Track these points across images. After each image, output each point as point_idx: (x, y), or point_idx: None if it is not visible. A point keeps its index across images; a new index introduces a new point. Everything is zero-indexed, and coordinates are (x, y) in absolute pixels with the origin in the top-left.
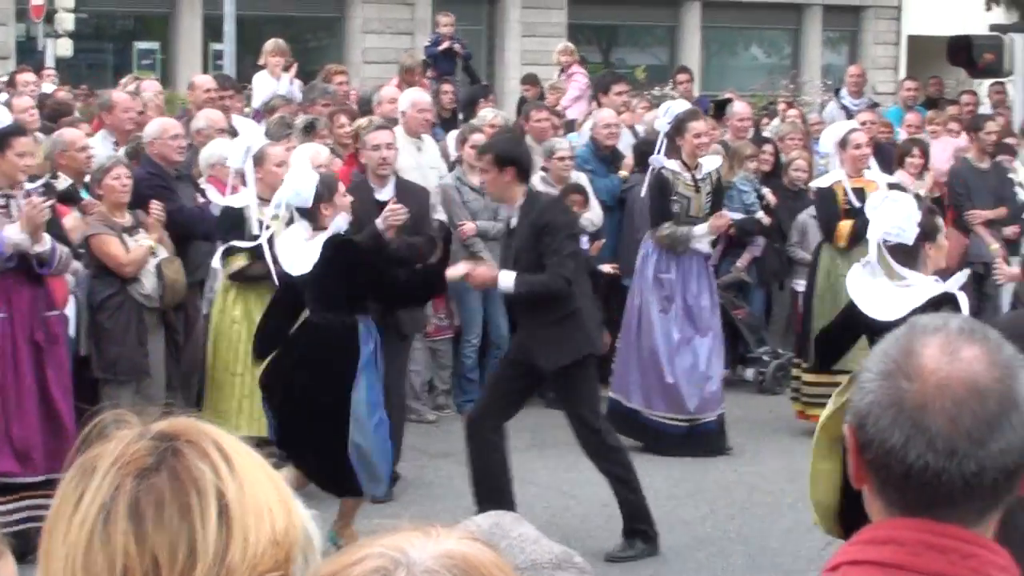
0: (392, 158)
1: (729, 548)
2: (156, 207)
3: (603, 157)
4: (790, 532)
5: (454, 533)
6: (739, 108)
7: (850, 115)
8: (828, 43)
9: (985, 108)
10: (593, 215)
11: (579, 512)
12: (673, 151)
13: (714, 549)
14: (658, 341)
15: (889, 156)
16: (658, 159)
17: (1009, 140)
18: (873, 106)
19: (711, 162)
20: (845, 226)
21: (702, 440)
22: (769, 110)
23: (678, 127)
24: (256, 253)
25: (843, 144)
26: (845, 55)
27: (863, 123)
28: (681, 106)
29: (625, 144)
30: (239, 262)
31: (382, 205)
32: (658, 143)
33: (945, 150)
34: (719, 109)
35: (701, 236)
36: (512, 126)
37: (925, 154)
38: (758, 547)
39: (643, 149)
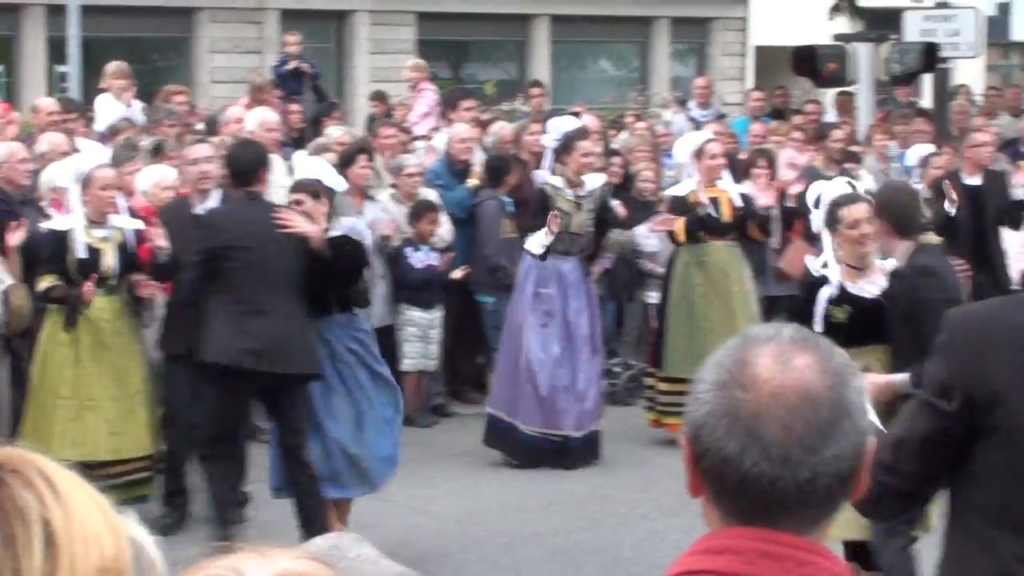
0: (212, 172)
1: (581, 559)
2: (15, 235)
3: (457, 171)
4: (643, 542)
5: (290, 553)
6: (588, 121)
7: (698, 127)
8: (676, 55)
9: (830, 117)
10: (444, 231)
11: (434, 528)
12: (559, 167)
13: (566, 560)
14: (537, 356)
15: (734, 166)
16: (542, 174)
17: (855, 148)
18: (720, 117)
19: (595, 180)
20: (679, 223)
21: (573, 454)
22: (618, 123)
23: (566, 145)
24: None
25: (699, 154)
26: (693, 67)
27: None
28: (570, 124)
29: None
30: (44, 283)
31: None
32: (544, 159)
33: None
34: None
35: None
36: (362, 141)
37: (772, 164)
38: (611, 558)
39: (493, 164)
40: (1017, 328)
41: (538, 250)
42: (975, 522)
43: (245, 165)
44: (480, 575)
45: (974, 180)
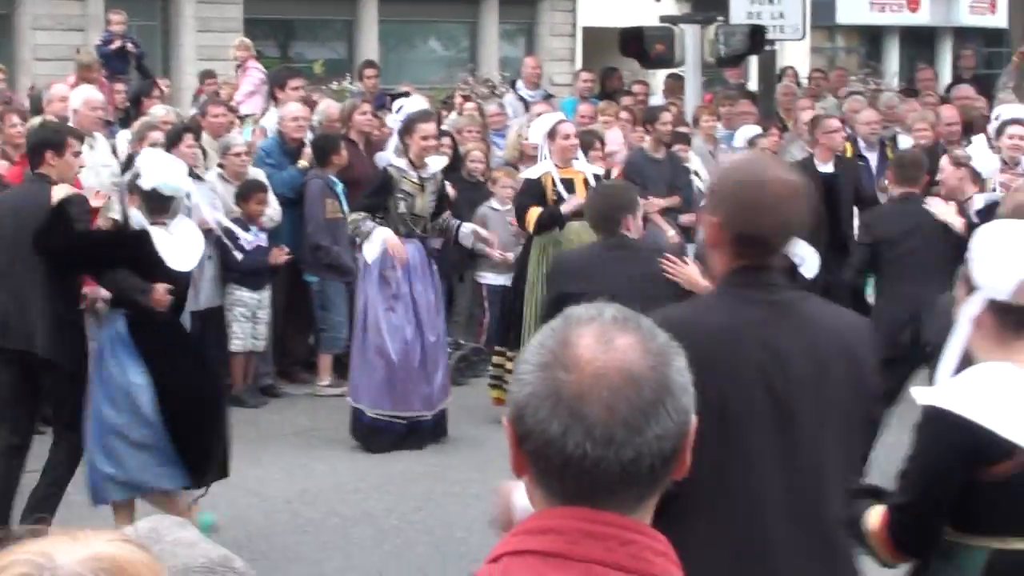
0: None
1: (414, 539)
2: None
3: (288, 151)
4: (476, 522)
5: (104, 536)
6: (416, 101)
7: (527, 107)
8: (505, 35)
9: (657, 98)
10: (272, 211)
11: (264, 510)
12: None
13: (399, 541)
14: (386, 340)
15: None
16: (385, 156)
17: (683, 129)
18: (548, 97)
19: (437, 162)
20: (534, 212)
21: (423, 434)
22: (448, 103)
23: (408, 126)
24: None
25: (552, 135)
26: (522, 47)
27: (538, 115)
28: (415, 105)
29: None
30: None
31: None
32: (390, 140)
33: (618, 140)
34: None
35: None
36: (188, 120)
37: (603, 145)
38: (443, 538)
39: (319, 143)
40: (709, 328)
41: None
42: None
43: (31, 146)
44: (311, 556)
45: (827, 168)
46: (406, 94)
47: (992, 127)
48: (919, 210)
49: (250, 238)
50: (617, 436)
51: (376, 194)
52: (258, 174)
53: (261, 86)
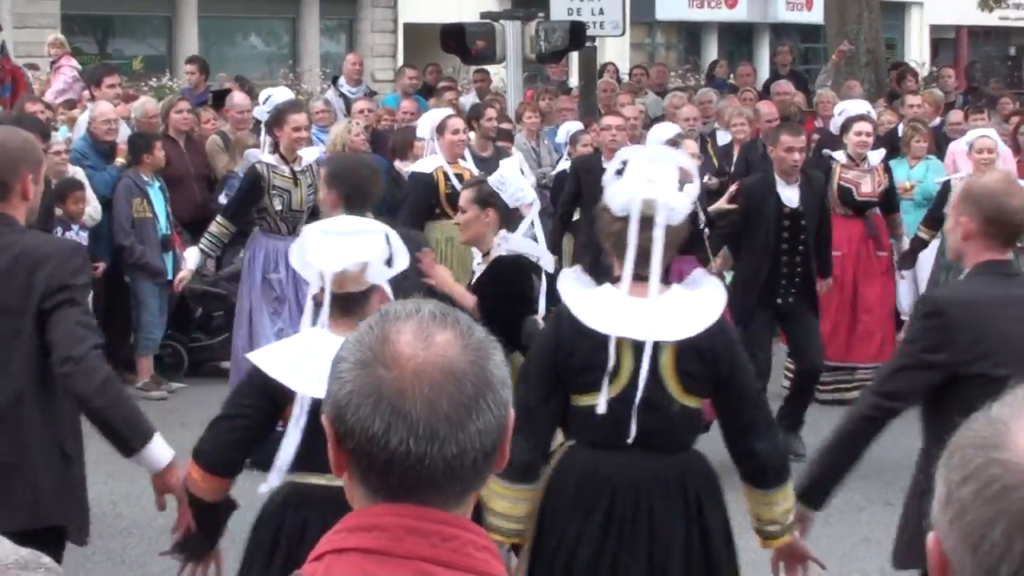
0: None
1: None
2: None
3: (102, 151)
4: None
5: None
6: (239, 98)
7: (348, 103)
8: (326, 32)
9: (471, 96)
10: (92, 210)
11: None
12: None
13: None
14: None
15: (385, 143)
16: (254, 153)
17: (505, 126)
18: (371, 94)
19: (310, 153)
20: None
21: None
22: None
23: (277, 118)
24: None
25: (440, 130)
26: (343, 43)
27: (360, 111)
28: (282, 95)
29: (122, 136)
30: None
31: None
32: (261, 135)
33: None
34: (218, 99)
35: None
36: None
37: None
38: None
39: (133, 141)
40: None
41: None
42: None
43: None
44: (138, 559)
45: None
46: (228, 91)
47: (835, 123)
48: None
49: (72, 237)
50: (440, 432)
51: (245, 196)
52: (78, 172)
53: (74, 83)
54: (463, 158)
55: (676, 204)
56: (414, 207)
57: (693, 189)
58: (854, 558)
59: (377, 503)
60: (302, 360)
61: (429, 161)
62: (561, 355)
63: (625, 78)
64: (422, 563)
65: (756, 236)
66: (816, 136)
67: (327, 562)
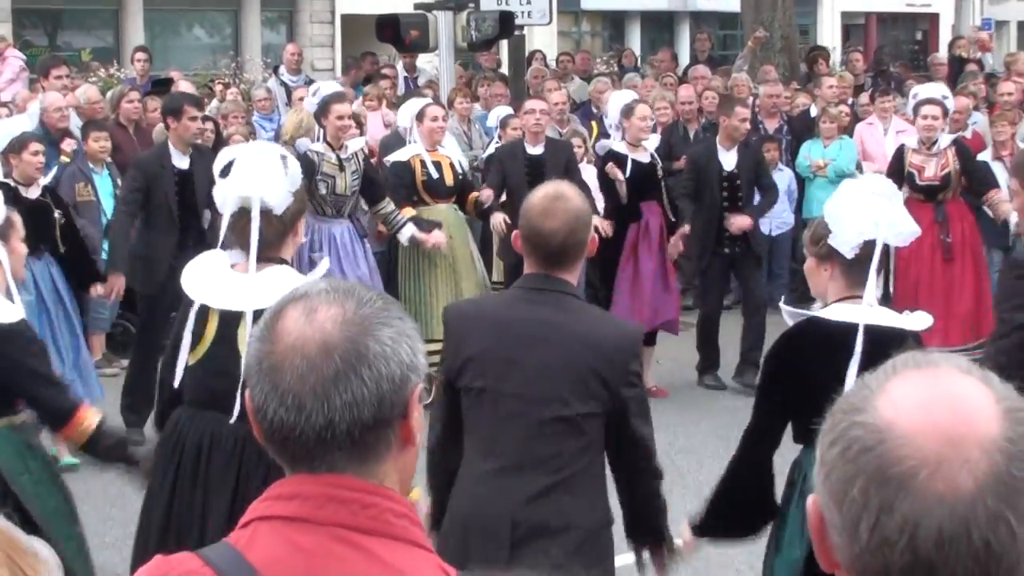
0: None
1: None
2: None
3: (53, 140)
4: None
5: None
6: (182, 87)
7: (289, 91)
8: (267, 23)
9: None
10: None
11: None
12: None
13: None
14: None
15: None
16: (303, 142)
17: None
18: (310, 83)
19: (356, 143)
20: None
21: None
22: (211, 89)
23: (323, 108)
24: None
25: (420, 117)
26: (284, 34)
27: (300, 99)
28: (329, 88)
29: (72, 124)
30: None
31: None
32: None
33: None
34: (158, 87)
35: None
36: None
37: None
38: None
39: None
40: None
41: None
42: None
43: None
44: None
45: (536, 150)
46: (170, 80)
47: (909, 106)
48: None
49: None
50: (307, 404)
51: (308, 180)
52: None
53: (21, 73)
54: (442, 145)
55: (272, 195)
56: (393, 194)
57: (652, 142)
58: None
59: (294, 474)
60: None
61: (408, 149)
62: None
63: (552, 65)
64: (342, 530)
65: (704, 196)
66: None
67: (253, 528)
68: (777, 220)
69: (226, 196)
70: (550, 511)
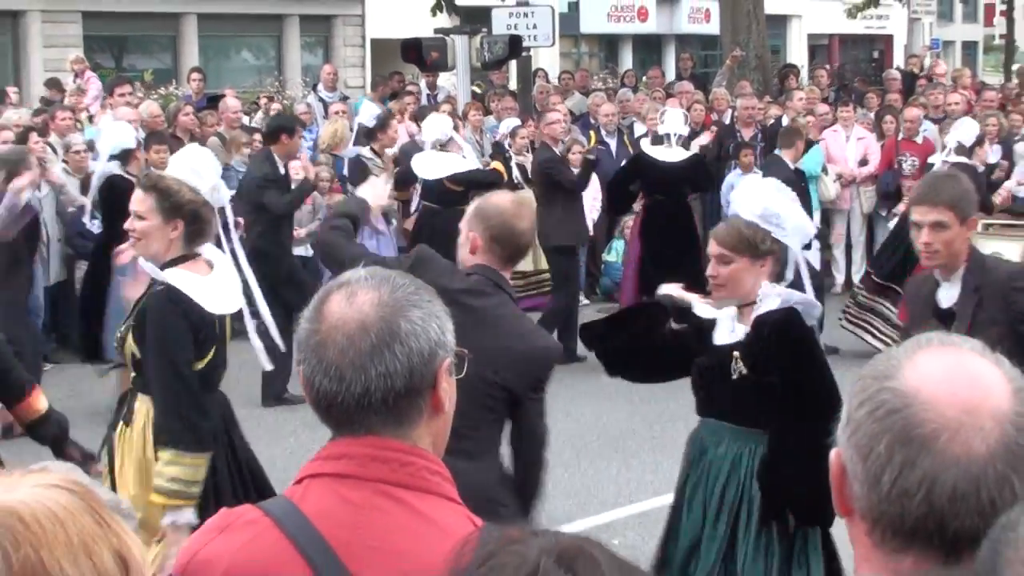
0: None
1: None
2: None
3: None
4: None
5: (34, 480)
6: (232, 103)
7: (326, 106)
8: (306, 47)
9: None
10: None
11: None
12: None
13: None
14: None
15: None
16: (354, 149)
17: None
18: (344, 99)
19: (391, 150)
20: None
21: None
22: (257, 104)
23: (383, 124)
24: None
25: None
26: (320, 56)
27: (335, 112)
28: (373, 110)
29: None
30: None
31: None
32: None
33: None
34: (211, 103)
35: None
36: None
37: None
38: None
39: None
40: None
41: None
42: None
43: None
44: None
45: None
46: (222, 96)
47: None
48: None
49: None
50: (347, 375)
51: (356, 180)
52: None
53: (99, 93)
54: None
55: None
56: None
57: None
58: None
59: (339, 437)
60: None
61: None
62: None
63: (555, 82)
64: (384, 485)
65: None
66: (714, 127)
67: (306, 484)
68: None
69: None
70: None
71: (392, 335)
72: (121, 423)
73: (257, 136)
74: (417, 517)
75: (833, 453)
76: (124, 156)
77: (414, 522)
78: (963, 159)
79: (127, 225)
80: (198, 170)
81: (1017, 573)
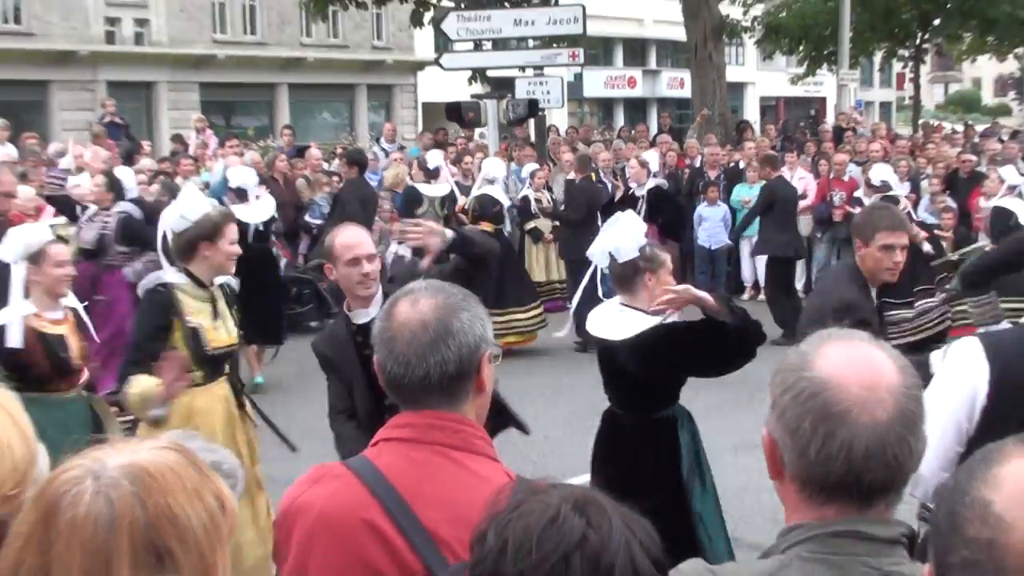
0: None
1: None
2: None
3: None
4: None
5: (146, 445)
6: (315, 152)
7: (387, 154)
8: (372, 108)
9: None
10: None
11: None
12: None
13: None
14: None
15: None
16: (416, 186)
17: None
18: (401, 148)
19: (442, 188)
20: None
21: None
22: (334, 154)
23: (433, 171)
24: None
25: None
26: (383, 116)
27: (395, 159)
28: (436, 157)
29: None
30: None
31: None
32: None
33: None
34: (300, 154)
35: None
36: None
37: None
38: None
39: None
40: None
41: None
42: None
43: None
44: None
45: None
46: (307, 147)
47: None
48: None
49: None
50: (412, 362)
51: (411, 207)
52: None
53: (215, 146)
54: (494, 180)
55: (171, 223)
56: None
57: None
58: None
59: (404, 413)
60: None
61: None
62: None
63: (564, 135)
64: (440, 447)
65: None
66: (687, 171)
67: (379, 447)
68: (716, 239)
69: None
70: None
71: (446, 332)
72: None
73: (335, 177)
74: (465, 471)
75: (764, 431)
76: (242, 193)
77: (463, 475)
78: (889, 193)
79: None
80: (186, 215)
81: (974, 528)
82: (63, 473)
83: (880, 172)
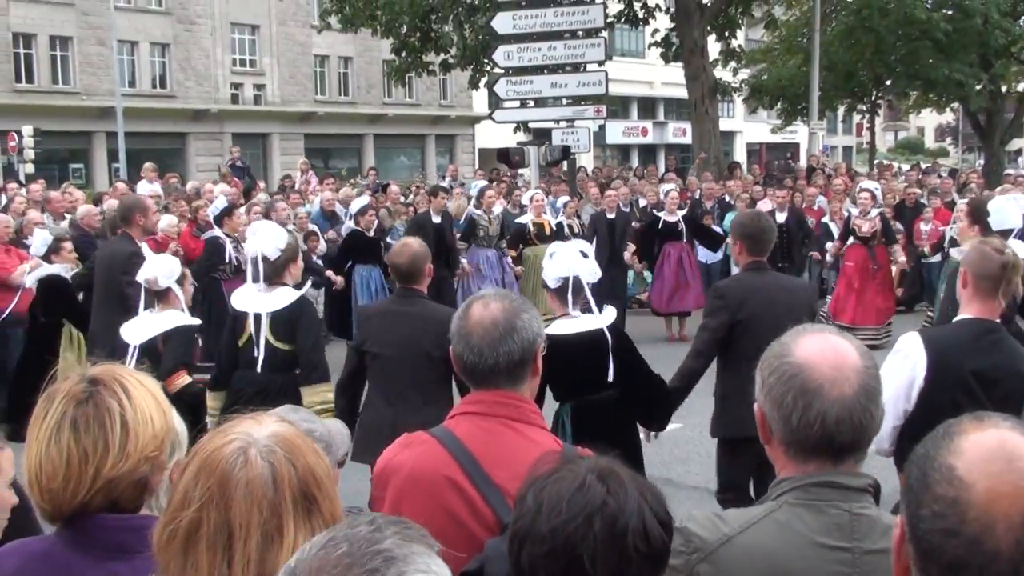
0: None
1: None
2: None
3: (327, 217)
4: None
5: (271, 418)
6: (394, 189)
7: (451, 189)
8: (439, 153)
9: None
10: (322, 246)
11: None
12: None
13: None
14: None
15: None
16: (471, 212)
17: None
18: (462, 184)
19: (497, 208)
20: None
21: None
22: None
23: (480, 194)
24: None
25: (530, 200)
26: (447, 159)
27: (457, 192)
28: (480, 184)
29: (339, 210)
30: None
31: None
32: (471, 201)
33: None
34: (383, 190)
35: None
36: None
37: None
38: None
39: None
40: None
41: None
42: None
43: (122, 212)
44: None
45: (611, 215)
46: (388, 185)
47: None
48: None
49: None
50: (484, 351)
51: (472, 229)
52: (314, 228)
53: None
54: (545, 212)
55: (267, 249)
56: (511, 238)
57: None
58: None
59: (475, 392)
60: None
61: (523, 217)
62: None
63: (590, 174)
64: (505, 420)
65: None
66: (689, 202)
67: (456, 419)
68: (711, 256)
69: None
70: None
71: (512, 328)
72: None
73: (411, 209)
74: (525, 439)
75: (756, 406)
76: (359, 216)
77: (522, 441)
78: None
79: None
80: (279, 245)
81: (941, 488)
82: (226, 445)
83: (868, 184)
